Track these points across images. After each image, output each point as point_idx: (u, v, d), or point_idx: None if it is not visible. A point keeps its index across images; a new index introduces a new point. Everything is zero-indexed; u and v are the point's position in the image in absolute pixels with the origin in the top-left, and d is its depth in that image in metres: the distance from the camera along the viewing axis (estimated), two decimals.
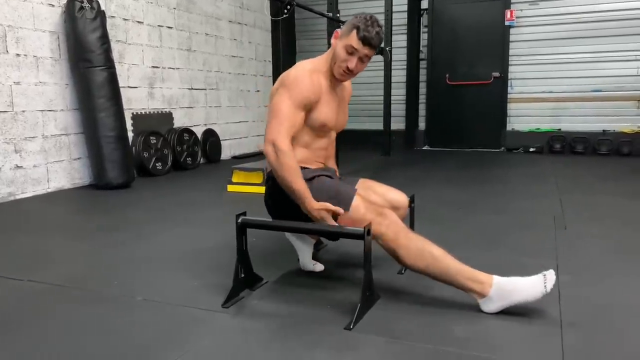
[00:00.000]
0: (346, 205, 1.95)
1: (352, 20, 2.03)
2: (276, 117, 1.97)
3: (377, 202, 2.07)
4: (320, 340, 1.65)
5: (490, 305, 1.81)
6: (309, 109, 2.03)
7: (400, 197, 2.22)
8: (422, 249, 1.85)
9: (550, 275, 1.76)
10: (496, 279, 1.81)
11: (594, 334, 1.67)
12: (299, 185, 1.92)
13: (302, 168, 2.01)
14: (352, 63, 2.03)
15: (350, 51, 2.01)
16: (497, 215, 3.40)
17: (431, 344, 1.60)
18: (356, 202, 1.96)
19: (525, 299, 1.76)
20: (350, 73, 2.07)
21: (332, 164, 2.32)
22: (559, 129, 7.02)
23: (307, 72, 2.04)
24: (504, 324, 1.75)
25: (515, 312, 1.81)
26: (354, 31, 2.00)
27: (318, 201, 1.93)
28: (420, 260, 1.85)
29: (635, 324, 1.75)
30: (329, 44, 2.17)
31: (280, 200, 2.05)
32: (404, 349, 1.59)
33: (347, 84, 2.29)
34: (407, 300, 1.97)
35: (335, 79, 2.11)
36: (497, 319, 1.78)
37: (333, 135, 2.24)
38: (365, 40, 1.99)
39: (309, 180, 2.02)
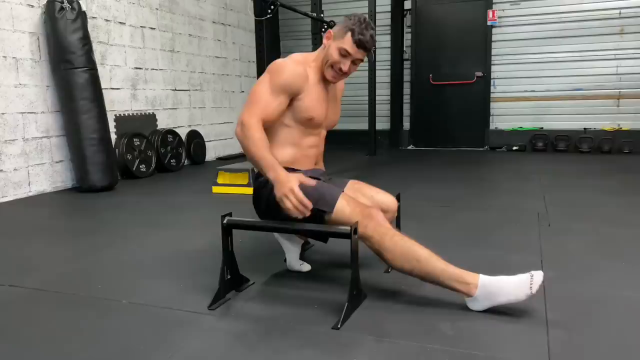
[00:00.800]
0: (330, 207, 1.92)
1: (346, 22, 2.02)
2: (249, 100, 1.98)
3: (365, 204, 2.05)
4: (308, 340, 1.65)
5: (476, 305, 1.81)
6: (291, 96, 2.00)
7: (389, 200, 2.19)
8: (408, 252, 1.83)
9: (538, 277, 1.75)
10: (482, 280, 1.80)
11: (580, 330, 1.69)
12: (265, 156, 1.86)
13: (291, 169, 1.97)
14: (346, 66, 2.02)
15: (344, 54, 2.00)
16: (482, 212, 3.42)
17: (418, 342, 1.61)
18: (340, 203, 1.93)
19: (509, 301, 1.76)
20: (342, 75, 2.06)
21: (321, 165, 2.31)
22: (541, 128, 7.10)
23: (292, 61, 2.04)
24: (490, 321, 1.76)
25: (501, 308, 1.82)
26: (349, 34, 1.98)
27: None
28: (406, 263, 1.84)
29: (620, 319, 1.77)
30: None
31: (266, 199, 2.02)
32: (392, 347, 1.59)
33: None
34: (394, 298, 1.97)
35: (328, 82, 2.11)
36: (483, 316, 1.79)
37: (323, 133, 2.22)
38: (360, 44, 1.99)
39: None
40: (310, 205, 1.80)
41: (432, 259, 1.83)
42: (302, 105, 2.03)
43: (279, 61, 2.04)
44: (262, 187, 2.05)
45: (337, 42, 2.02)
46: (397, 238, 1.86)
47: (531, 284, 1.74)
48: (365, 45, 2.00)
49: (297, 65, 2.02)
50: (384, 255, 1.87)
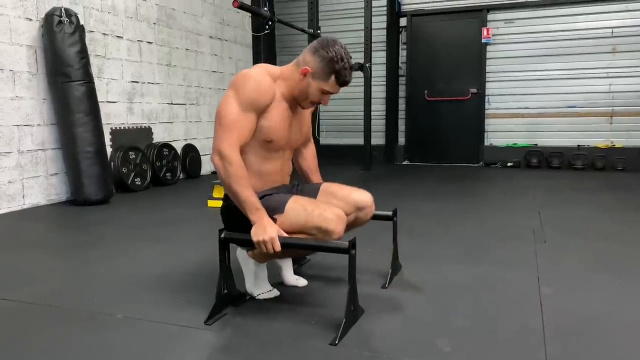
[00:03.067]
0: (281, 209, 1.88)
1: (324, 57, 1.89)
2: (221, 124, 1.85)
3: (339, 207, 1.94)
4: (305, 356, 1.63)
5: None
6: (258, 112, 1.89)
7: (364, 197, 2.09)
8: None
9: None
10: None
11: (577, 346, 1.69)
12: (248, 197, 1.81)
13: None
14: (326, 100, 1.99)
15: (326, 93, 1.96)
16: (477, 228, 3.43)
17: (416, 358, 1.60)
18: (290, 204, 1.89)
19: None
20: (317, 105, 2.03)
21: (287, 182, 2.16)
22: (536, 144, 7.15)
23: (257, 73, 1.92)
24: (487, 336, 1.75)
25: (498, 324, 1.82)
26: (333, 77, 1.91)
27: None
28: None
29: (617, 335, 1.77)
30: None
31: (235, 216, 1.95)
32: None
33: None
34: (392, 314, 1.96)
35: (295, 103, 2.02)
36: (480, 332, 1.79)
37: (287, 154, 2.10)
38: (344, 84, 1.96)
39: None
40: (279, 249, 1.80)
41: None
42: (263, 125, 1.91)
43: (244, 72, 1.93)
44: (222, 211, 2.02)
45: (318, 82, 1.93)
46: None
47: None
48: (347, 84, 1.97)
49: (264, 76, 1.91)
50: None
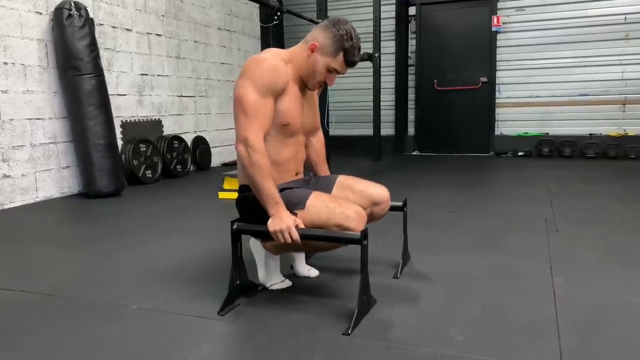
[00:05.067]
0: (302, 204, 1.88)
1: (334, 34, 1.89)
2: (244, 111, 1.83)
3: (355, 202, 1.97)
4: (319, 345, 1.64)
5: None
6: (275, 96, 1.88)
7: (380, 191, 2.10)
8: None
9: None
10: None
11: (591, 335, 1.68)
12: (270, 189, 1.81)
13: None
14: (331, 80, 1.98)
15: (332, 71, 1.95)
16: (489, 218, 3.41)
17: (429, 348, 1.60)
18: (312, 200, 1.88)
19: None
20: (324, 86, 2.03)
21: (301, 170, 2.15)
22: (547, 133, 7.09)
23: (270, 57, 1.90)
24: (500, 326, 1.75)
25: (511, 314, 1.82)
26: (341, 55, 1.91)
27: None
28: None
29: (631, 324, 1.76)
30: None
31: (252, 207, 1.95)
32: (403, 352, 1.58)
33: None
34: (404, 304, 1.97)
35: (303, 85, 2.01)
36: (493, 321, 1.79)
37: (301, 139, 2.09)
38: (351, 64, 1.95)
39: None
40: (298, 240, 1.79)
41: None
42: (280, 109, 1.90)
43: (256, 57, 1.91)
44: (239, 202, 2.04)
45: (325, 59, 1.92)
46: None
47: None
48: (355, 63, 1.96)
49: (278, 60, 1.89)
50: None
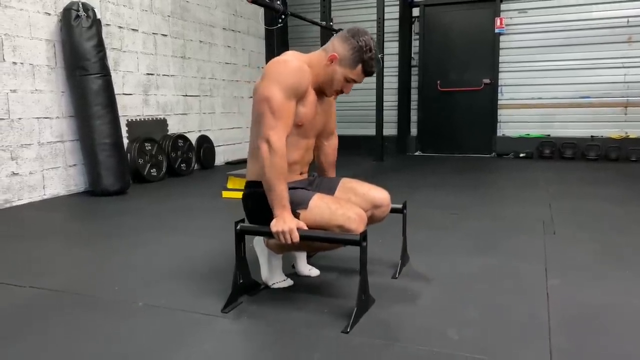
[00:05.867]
0: (305, 204, 1.94)
1: (353, 46, 1.95)
2: (271, 110, 1.86)
3: (357, 204, 2.04)
4: (318, 343, 1.70)
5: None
6: (299, 98, 1.93)
7: (382, 195, 2.16)
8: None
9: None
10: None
11: (582, 337, 1.74)
12: (282, 191, 1.87)
13: None
14: (348, 89, 2.05)
15: (350, 81, 2.01)
16: (488, 220, 3.47)
17: (425, 346, 1.66)
18: (315, 201, 1.95)
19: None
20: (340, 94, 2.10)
21: (305, 171, 2.20)
22: (549, 135, 7.13)
23: (295, 59, 1.95)
24: (494, 326, 1.81)
25: (505, 314, 1.88)
26: (360, 67, 1.97)
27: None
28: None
29: (622, 326, 1.81)
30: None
31: (259, 204, 2.00)
32: (400, 351, 1.64)
33: None
34: (402, 304, 2.03)
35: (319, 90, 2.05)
36: (488, 322, 1.84)
37: (311, 143, 2.14)
38: (369, 74, 2.02)
39: None
40: (297, 240, 1.86)
41: None
42: (300, 111, 1.95)
43: (281, 59, 1.95)
44: (247, 199, 2.09)
45: (344, 70, 1.98)
46: None
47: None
48: (372, 74, 2.04)
49: (301, 63, 1.94)
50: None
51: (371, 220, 2.12)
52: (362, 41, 1.95)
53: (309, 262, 2.41)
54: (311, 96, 2.01)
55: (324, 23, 5.18)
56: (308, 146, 2.12)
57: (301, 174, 2.15)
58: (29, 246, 2.95)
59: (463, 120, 7.60)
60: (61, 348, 1.71)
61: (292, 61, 1.93)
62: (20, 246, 2.95)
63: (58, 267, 2.57)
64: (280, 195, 1.88)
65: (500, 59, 7.30)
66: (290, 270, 2.35)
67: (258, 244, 2.22)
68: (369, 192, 2.16)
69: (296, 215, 1.92)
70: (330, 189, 2.18)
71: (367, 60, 1.97)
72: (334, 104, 2.28)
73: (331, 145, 2.36)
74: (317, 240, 1.97)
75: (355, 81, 2.02)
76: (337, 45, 1.99)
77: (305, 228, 1.88)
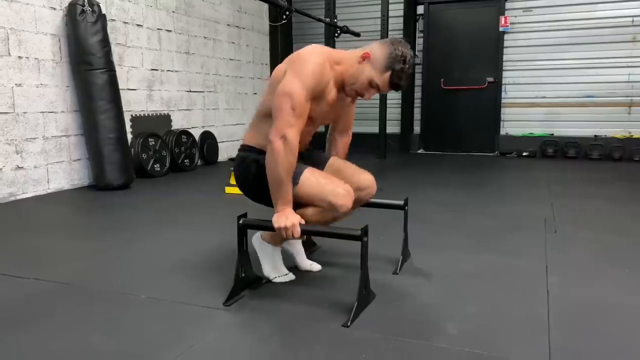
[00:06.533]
0: (296, 179, 1.97)
1: (390, 53, 1.93)
2: (293, 108, 1.86)
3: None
4: (319, 336, 1.72)
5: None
6: (315, 97, 1.96)
7: (366, 178, 2.20)
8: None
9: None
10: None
11: (581, 333, 1.75)
12: (287, 186, 1.90)
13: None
14: (370, 94, 2.02)
15: (374, 86, 1.99)
16: (490, 218, 3.48)
17: (424, 341, 1.68)
18: (307, 175, 1.99)
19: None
20: (360, 98, 2.08)
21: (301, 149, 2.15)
22: (552, 134, 7.13)
23: (320, 58, 1.94)
24: (493, 322, 1.83)
25: (504, 310, 1.89)
26: (388, 74, 1.94)
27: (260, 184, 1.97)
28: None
29: (621, 324, 1.83)
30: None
31: (250, 169, 2.08)
32: (399, 344, 1.66)
33: None
34: (402, 299, 2.04)
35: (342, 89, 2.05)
36: (487, 317, 1.86)
37: (314, 128, 2.17)
38: (395, 87, 1.99)
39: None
40: (299, 236, 1.90)
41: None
42: (314, 107, 1.98)
43: (308, 55, 1.93)
44: (251, 163, 2.10)
45: (372, 72, 1.95)
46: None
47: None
48: (398, 88, 2.00)
49: (325, 63, 1.94)
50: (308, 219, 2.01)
51: (357, 202, 2.14)
52: (399, 51, 1.93)
53: (310, 258, 2.43)
54: (330, 95, 2.02)
55: (328, 20, 5.19)
56: (309, 132, 2.17)
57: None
58: (33, 239, 2.98)
59: (466, 119, 7.60)
60: (65, 339, 1.73)
61: (318, 61, 1.92)
62: (24, 239, 2.98)
63: (62, 259, 2.59)
64: (285, 191, 1.91)
65: (505, 57, 7.29)
66: (293, 265, 2.37)
67: (256, 240, 2.25)
68: (354, 175, 2.20)
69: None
70: (318, 165, 2.20)
71: (397, 71, 1.94)
72: (353, 106, 2.31)
73: (343, 141, 2.42)
74: (318, 235, 2.00)
75: (379, 88, 1.99)
76: (374, 47, 1.99)
77: (303, 222, 1.92)
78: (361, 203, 2.24)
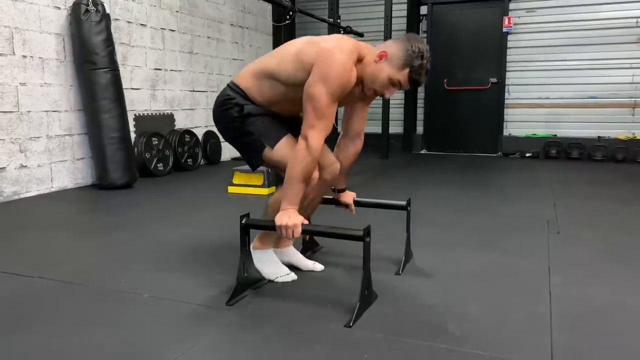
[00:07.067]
0: (272, 143, 2.03)
1: (407, 49, 1.92)
2: (320, 110, 1.86)
3: None
4: (321, 336, 1.73)
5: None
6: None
7: (329, 156, 2.20)
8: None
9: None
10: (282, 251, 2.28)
11: (583, 334, 1.75)
12: (300, 189, 1.92)
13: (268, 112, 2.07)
14: (390, 92, 2.00)
15: (395, 84, 1.97)
16: (493, 218, 3.48)
17: (426, 341, 1.68)
18: (282, 143, 2.02)
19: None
20: (379, 96, 2.06)
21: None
22: (555, 135, 7.12)
23: (349, 59, 1.91)
24: (495, 322, 1.83)
25: (507, 311, 1.89)
26: (407, 70, 1.93)
27: (243, 133, 2.02)
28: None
29: (624, 325, 1.82)
30: None
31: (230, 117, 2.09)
32: (401, 345, 1.66)
33: None
34: (404, 299, 2.04)
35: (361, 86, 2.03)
36: (489, 318, 1.86)
37: None
38: (414, 83, 1.97)
39: (256, 115, 2.05)
40: (299, 236, 1.91)
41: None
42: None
43: (339, 58, 1.88)
44: (233, 106, 2.09)
45: (391, 69, 1.94)
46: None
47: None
48: (418, 84, 1.98)
49: (353, 65, 1.93)
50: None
51: (323, 183, 2.16)
52: (416, 47, 1.92)
53: (312, 258, 2.43)
54: (349, 93, 1.99)
55: (331, 20, 5.19)
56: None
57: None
58: (37, 237, 2.99)
59: (469, 119, 7.59)
60: (67, 338, 1.73)
61: (346, 64, 1.90)
62: (28, 237, 2.99)
63: (65, 258, 2.60)
64: (296, 193, 1.92)
65: (508, 58, 7.28)
66: (295, 266, 2.38)
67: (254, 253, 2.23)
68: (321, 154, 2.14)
69: (261, 145, 2.04)
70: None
71: (416, 67, 1.92)
72: (367, 108, 2.30)
73: (355, 147, 2.34)
74: (319, 236, 2.01)
75: (400, 85, 1.97)
76: (390, 45, 1.98)
77: (306, 222, 1.94)
78: (327, 183, 2.24)
